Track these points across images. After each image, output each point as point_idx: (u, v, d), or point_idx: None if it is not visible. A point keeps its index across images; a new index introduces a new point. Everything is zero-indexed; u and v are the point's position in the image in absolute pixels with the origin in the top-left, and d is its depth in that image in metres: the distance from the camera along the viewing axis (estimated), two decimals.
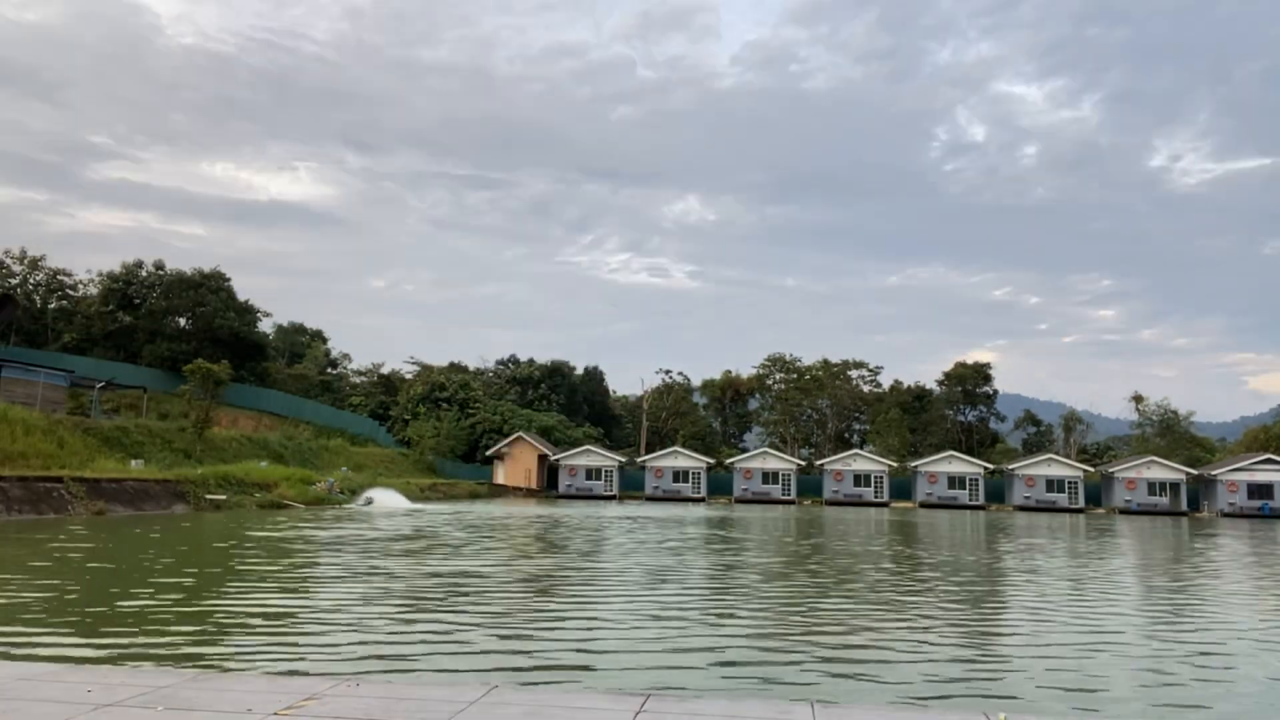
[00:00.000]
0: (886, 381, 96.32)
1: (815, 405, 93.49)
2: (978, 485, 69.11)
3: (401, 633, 8.57)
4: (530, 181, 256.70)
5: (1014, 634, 9.53)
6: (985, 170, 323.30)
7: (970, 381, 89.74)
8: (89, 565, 13.63)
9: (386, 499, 39.84)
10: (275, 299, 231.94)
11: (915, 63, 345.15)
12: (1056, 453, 76.43)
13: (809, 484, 73.52)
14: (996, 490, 71.40)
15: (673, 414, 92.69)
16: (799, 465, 73.66)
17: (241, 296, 69.25)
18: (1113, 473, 67.73)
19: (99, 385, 49.18)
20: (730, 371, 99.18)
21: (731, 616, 10.16)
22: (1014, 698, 6.63)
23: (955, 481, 68.99)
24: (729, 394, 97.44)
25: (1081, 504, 66.74)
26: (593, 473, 70.35)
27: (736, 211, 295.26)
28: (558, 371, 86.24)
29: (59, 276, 69.72)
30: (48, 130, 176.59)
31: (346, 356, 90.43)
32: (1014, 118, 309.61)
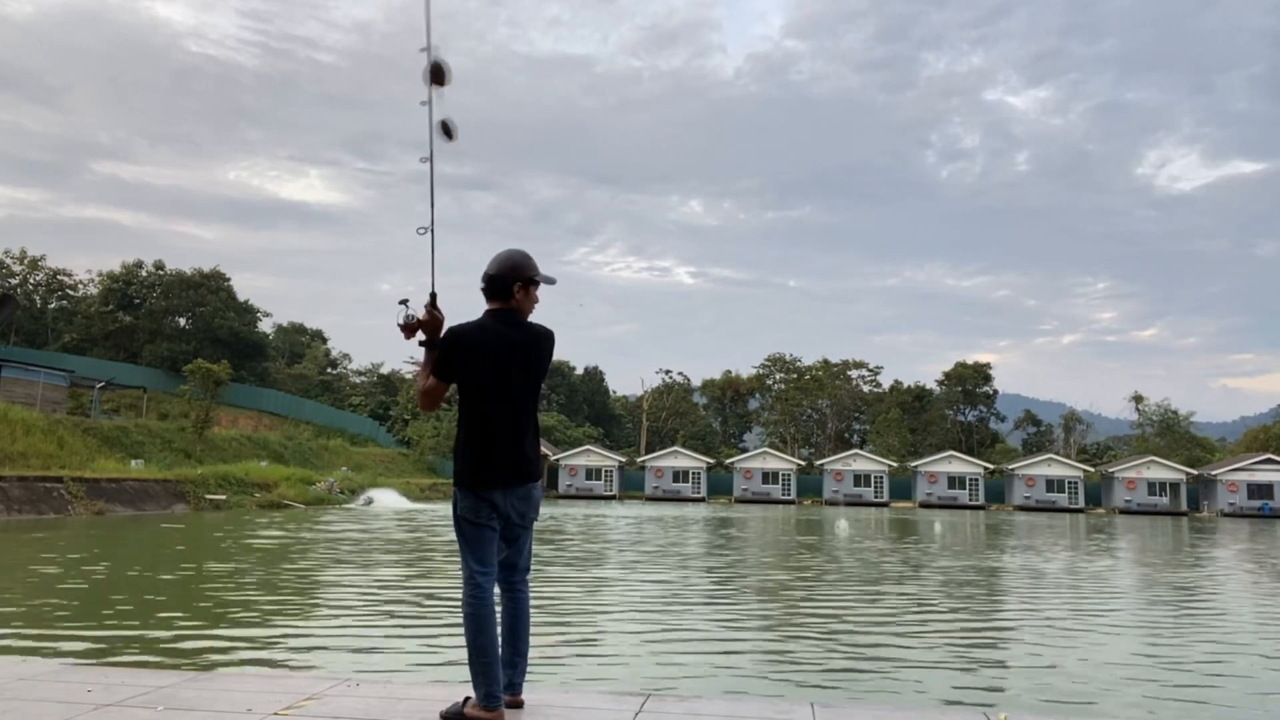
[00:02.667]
0: (886, 381, 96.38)
1: (815, 405, 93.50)
2: (978, 485, 69.14)
3: (402, 633, 8.57)
4: (536, 188, 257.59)
5: (1018, 634, 9.53)
6: (981, 175, 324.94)
7: (970, 381, 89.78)
8: (89, 565, 13.63)
9: (386, 499, 39.85)
10: (279, 300, 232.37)
11: (911, 73, 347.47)
12: (1056, 453, 76.45)
13: (809, 484, 73.52)
14: (996, 490, 71.41)
15: (673, 414, 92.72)
16: (799, 465, 73.67)
17: (242, 296, 69.33)
18: (1113, 473, 67.75)
19: (99, 385, 49.19)
20: (730, 371, 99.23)
21: (734, 616, 10.16)
22: (1015, 698, 6.63)
23: (955, 481, 69.01)
24: (729, 394, 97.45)
25: (1081, 504, 66.76)
26: (593, 473, 70.37)
27: (738, 215, 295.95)
28: (557, 371, 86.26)
29: (59, 276, 69.78)
30: (55, 133, 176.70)
31: (346, 356, 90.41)
32: (1006, 125, 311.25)
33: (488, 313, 4.01)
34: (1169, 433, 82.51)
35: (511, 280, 3.98)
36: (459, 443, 3.96)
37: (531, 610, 4.15)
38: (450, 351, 3.92)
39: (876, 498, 69.46)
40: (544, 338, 4.07)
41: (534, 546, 4.20)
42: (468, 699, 3.82)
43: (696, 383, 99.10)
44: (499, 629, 3.96)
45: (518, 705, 3.95)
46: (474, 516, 3.88)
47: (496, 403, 3.90)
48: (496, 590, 3.96)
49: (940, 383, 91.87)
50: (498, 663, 3.81)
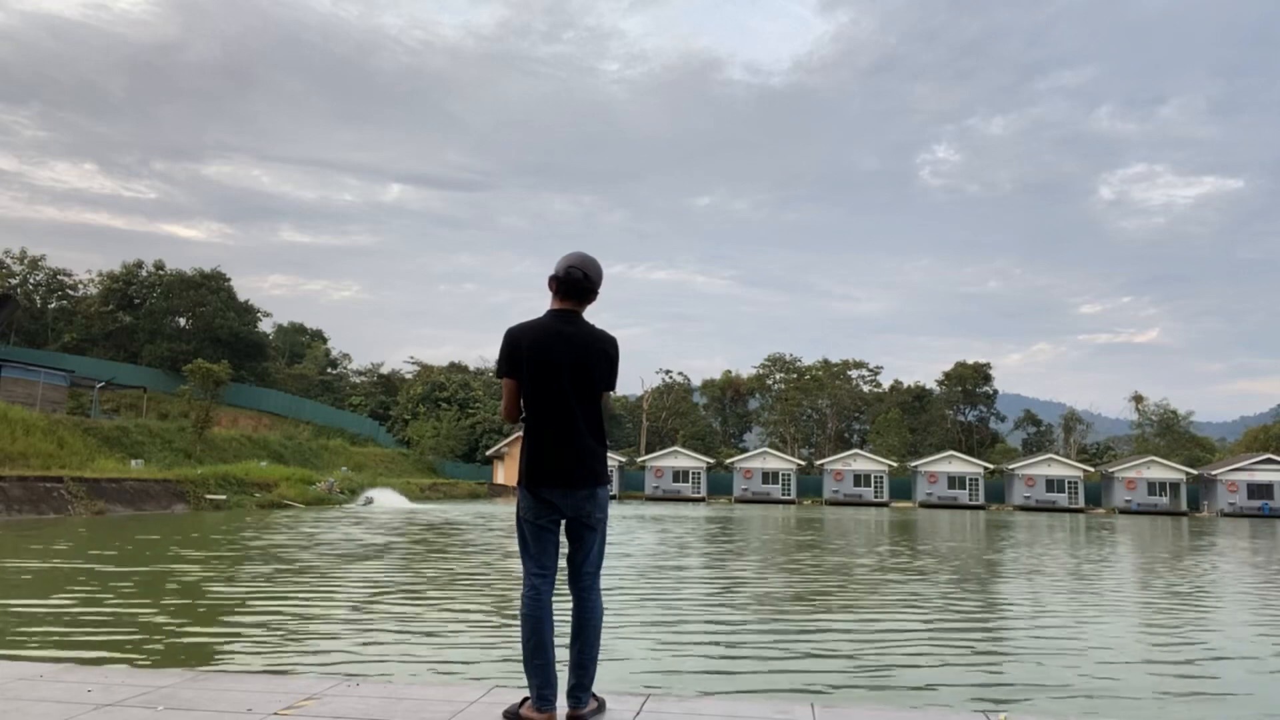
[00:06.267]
0: (886, 381, 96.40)
1: (815, 405, 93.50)
2: (978, 485, 69.13)
3: (402, 633, 8.57)
4: (544, 198, 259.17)
5: (1019, 634, 9.53)
6: (976, 186, 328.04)
7: (970, 381, 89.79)
8: (88, 565, 13.64)
9: (386, 499, 39.84)
10: (283, 302, 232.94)
11: (905, 101, 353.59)
12: (1056, 453, 76.46)
13: (809, 484, 73.53)
14: (996, 490, 71.40)
15: (673, 414, 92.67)
16: (799, 465, 73.66)
17: (242, 296, 69.35)
18: (1113, 473, 67.74)
19: (99, 385, 49.23)
20: (730, 371, 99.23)
21: (734, 614, 10.16)
22: (1015, 698, 6.63)
23: (955, 481, 69.01)
24: (729, 394, 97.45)
25: (1081, 504, 66.77)
26: None
27: (742, 215, 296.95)
28: None
29: (59, 276, 69.80)
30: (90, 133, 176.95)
31: (346, 356, 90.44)
32: (991, 147, 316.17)
33: (550, 312, 3.96)
34: (1169, 433, 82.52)
35: (594, 285, 3.95)
36: (522, 443, 3.95)
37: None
38: (507, 349, 3.90)
39: (876, 498, 69.45)
40: (604, 340, 3.97)
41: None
42: (525, 699, 3.81)
43: (696, 383, 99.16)
44: (568, 630, 3.91)
45: None
46: (533, 517, 3.84)
47: (551, 402, 3.84)
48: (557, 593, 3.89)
49: (940, 383, 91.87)
50: (551, 665, 3.76)
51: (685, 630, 9.14)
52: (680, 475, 70.96)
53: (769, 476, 70.60)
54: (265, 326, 75.88)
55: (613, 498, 68.97)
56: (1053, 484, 67.42)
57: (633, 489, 72.24)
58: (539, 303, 4.07)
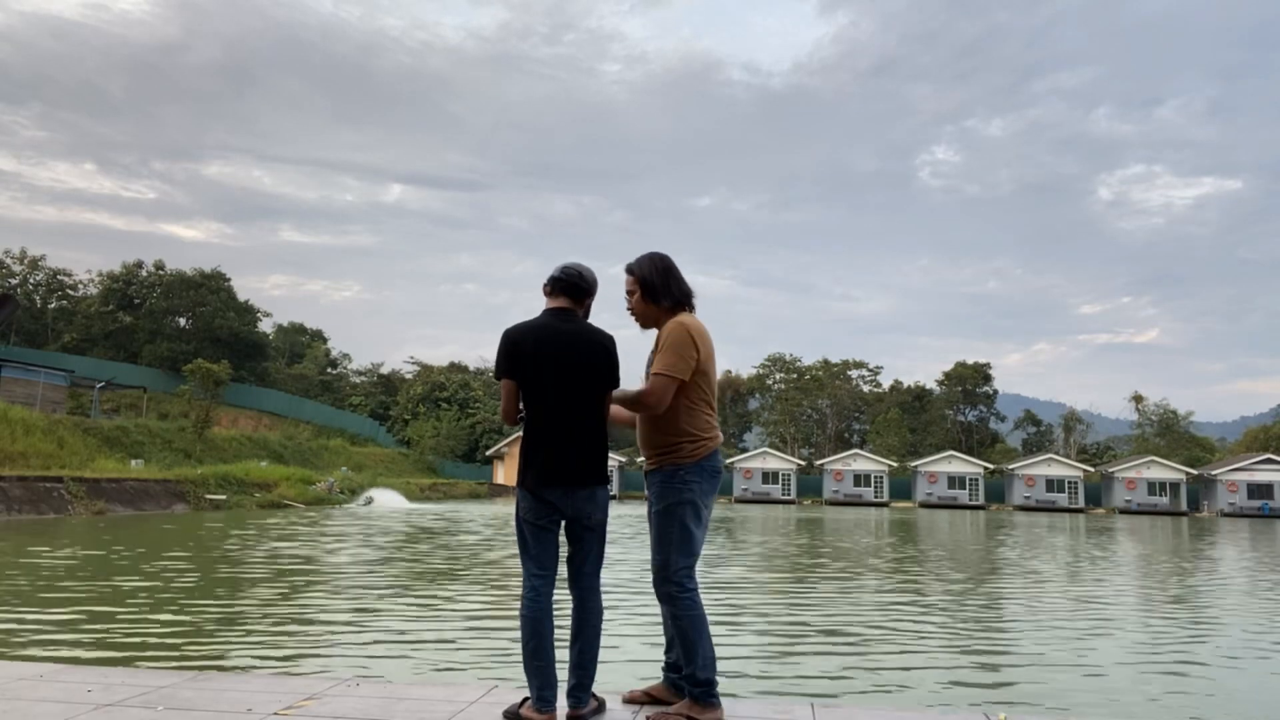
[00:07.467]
0: (886, 381, 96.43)
1: (815, 405, 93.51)
2: (978, 485, 69.12)
3: (403, 633, 8.57)
4: (544, 198, 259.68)
5: (1019, 634, 9.53)
6: (975, 187, 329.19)
7: (970, 381, 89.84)
8: (87, 565, 13.64)
9: (386, 499, 39.85)
10: (283, 302, 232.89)
11: (904, 102, 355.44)
12: (1056, 453, 76.48)
13: (809, 484, 73.54)
14: (996, 490, 71.41)
15: None
16: (799, 465, 73.65)
17: (242, 296, 69.36)
18: (1113, 473, 67.74)
19: (99, 385, 49.26)
20: (730, 371, 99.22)
21: (733, 613, 10.15)
22: (1015, 698, 6.63)
23: (955, 481, 68.99)
24: (729, 394, 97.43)
25: (1081, 504, 66.77)
26: None
27: (742, 215, 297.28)
28: None
29: (59, 276, 69.84)
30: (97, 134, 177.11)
31: (346, 356, 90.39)
32: (990, 148, 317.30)
33: (546, 311, 3.95)
34: (1169, 433, 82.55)
35: (589, 286, 4.00)
36: (521, 443, 3.94)
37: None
38: (505, 349, 3.88)
39: (876, 498, 69.44)
40: (602, 338, 3.97)
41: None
42: (525, 699, 3.81)
43: None
44: (570, 630, 3.91)
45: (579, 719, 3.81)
46: (533, 518, 3.83)
47: (549, 402, 3.83)
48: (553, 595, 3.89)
49: (940, 383, 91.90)
50: (551, 666, 3.76)
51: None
52: None
53: (769, 476, 70.58)
54: (265, 326, 75.92)
55: (613, 498, 68.93)
56: (1053, 484, 67.40)
57: (633, 489, 72.20)
58: (539, 303, 4.06)
